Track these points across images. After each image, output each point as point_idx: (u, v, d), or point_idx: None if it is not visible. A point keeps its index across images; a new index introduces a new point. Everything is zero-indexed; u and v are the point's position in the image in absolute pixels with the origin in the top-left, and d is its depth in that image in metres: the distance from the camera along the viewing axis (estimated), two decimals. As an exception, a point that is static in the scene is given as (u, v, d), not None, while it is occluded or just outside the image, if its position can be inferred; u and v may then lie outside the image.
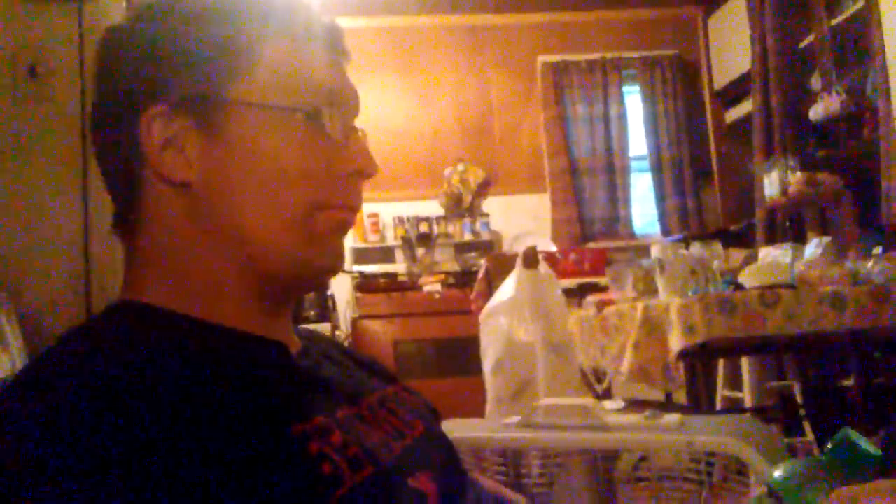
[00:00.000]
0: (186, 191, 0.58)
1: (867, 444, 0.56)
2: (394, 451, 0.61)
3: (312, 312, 4.15)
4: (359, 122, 0.67)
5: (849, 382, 3.00)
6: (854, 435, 0.56)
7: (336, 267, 0.63)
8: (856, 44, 3.58)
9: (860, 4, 3.49)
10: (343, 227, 0.63)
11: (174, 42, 0.58)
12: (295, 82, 0.60)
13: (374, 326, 4.19)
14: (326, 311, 4.28)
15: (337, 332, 4.29)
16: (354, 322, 4.23)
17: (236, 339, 0.59)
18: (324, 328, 3.92)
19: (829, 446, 0.55)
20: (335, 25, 0.66)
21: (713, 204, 5.10)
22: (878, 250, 2.86)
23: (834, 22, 3.73)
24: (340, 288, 4.49)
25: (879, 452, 0.54)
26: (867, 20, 3.35)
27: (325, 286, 0.65)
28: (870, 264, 2.40)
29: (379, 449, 0.59)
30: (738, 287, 2.38)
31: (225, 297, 0.59)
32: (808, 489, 0.52)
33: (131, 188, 0.60)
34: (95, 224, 1.75)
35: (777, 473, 0.54)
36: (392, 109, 4.88)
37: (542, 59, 5.03)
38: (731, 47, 4.76)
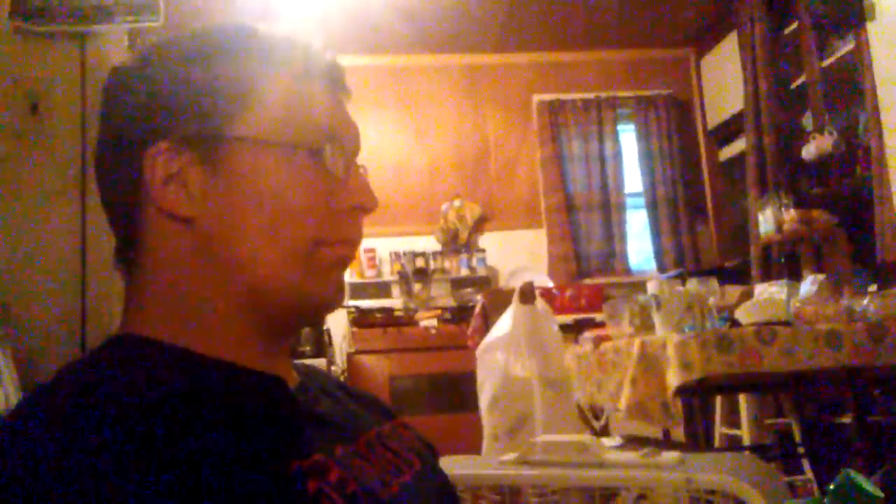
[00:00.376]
0: (189, 226, 0.59)
1: (869, 485, 0.56)
2: (391, 488, 0.61)
3: (308, 347, 4.13)
4: (357, 158, 0.68)
5: (846, 420, 2.99)
6: (856, 476, 0.56)
7: (337, 301, 0.64)
8: (847, 84, 3.64)
9: (851, 46, 3.56)
10: (343, 262, 0.64)
11: (178, 81, 0.60)
12: (297, 119, 0.61)
13: (370, 361, 4.17)
14: (322, 345, 4.26)
15: (332, 368, 4.26)
16: (350, 357, 4.21)
17: (235, 374, 0.59)
18: (319, 363, 3.90)
19: (832, 487, 0.55)
20: (337, 63, 0.67)
21: (708, 241, 5.12)
22: (873, 287, 2.87)
23: (825, 63, 3.80)
24: (336, 323, 4.48)
25: (881, 494, 0.54)
26: (858, 61, 3.41)
27: (322, 321, 0.65)
28: (865, 302, 2.41)
29: (377, 487, 0.59)
30: (735, 323, 2.38)
31: (225, 332, 0.59)
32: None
33: (133, 223, 0.61)
34: (92, 260, 1.75)
35: (780, 517, 0.54)
36: (390, 146, 4.92)
37: (537, 97, 5.09)
38: (723, 87, 4.84)
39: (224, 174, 0.59)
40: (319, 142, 0.61)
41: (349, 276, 4.69)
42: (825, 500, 0.55)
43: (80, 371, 0.55)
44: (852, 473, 0.56)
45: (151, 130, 0.59)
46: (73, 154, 1.79)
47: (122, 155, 0.60)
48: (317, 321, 0.64)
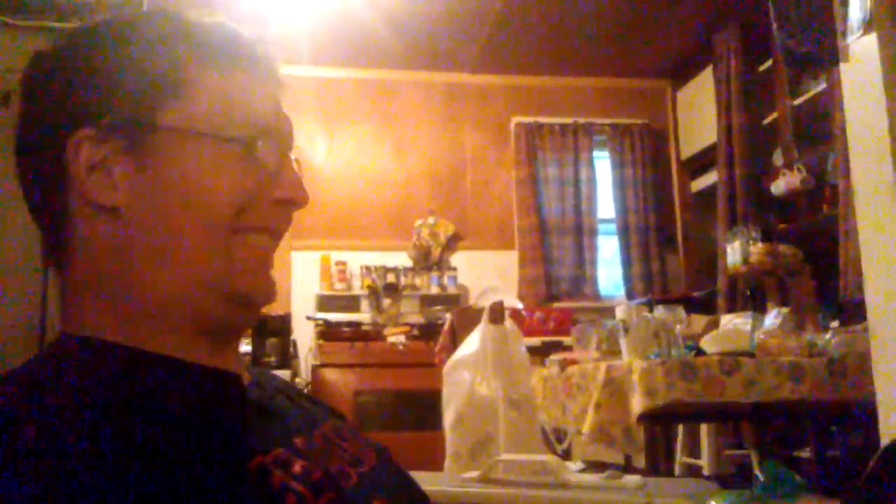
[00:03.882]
0: (114, 216, 0.57)
1: (792, 474, 0.59)
2: (351, 477, 0.60)
3: (273, 358, 4.09)
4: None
5: (805, 454, 3.03)
6: (780, 465, 0.59)
7: (262, 297, 0.62)
8: (818, 123, 3.72)
9: (822, 86, 3.64)
10: (265, 256, 0.62)
11: (105, 66, 0.58)
12: (230, 112, 0.59)
13: (335, 375, 4.13)
14: (287, 357, 4.22)
15: (297, 380, 4.22)
16: (315, 370, 4.17)
17: (184, 371, 0.57)
18: (283, 375, 3.85)
19: (760, 475, 0.57)
20: (271, 56, 0.65)
21: (676, 270, 5.18)
22: (835, 323, 2.92)
23: (797, 101, 3.89)
24: (303, 335, 4.44)
25: (804, 480, 0.57)
26: (829, 101, 3.49)
27: (252, 320, 0.64)
28: (827, 336, 2.45)
29: (339, 475, 0.58)
30: (700, 352, 2.41)
31: (163, 328, 0.58)
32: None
33: (58, 216, 0.59)
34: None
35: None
36: (367, 160, 4.92)
37: (515, 119, 5.13)
38: (698, 120, 4.92)
39: (150, 164, 0.57)
40: (251, 135, 0.60)
41: (318, 288, 4.66)
42: (755, 488, 0.57)
43: (21, 377, 0.53)
44: (776, 463, 0.59)
45: (75, 116, 0.57)
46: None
47: (45, 142, 0.58)
48: (246, 319, 0.63)
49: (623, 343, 2.51)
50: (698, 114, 4.89)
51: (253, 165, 0.60)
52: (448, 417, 2.41)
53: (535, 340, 3.90)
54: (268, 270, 0.63)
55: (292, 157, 0.65)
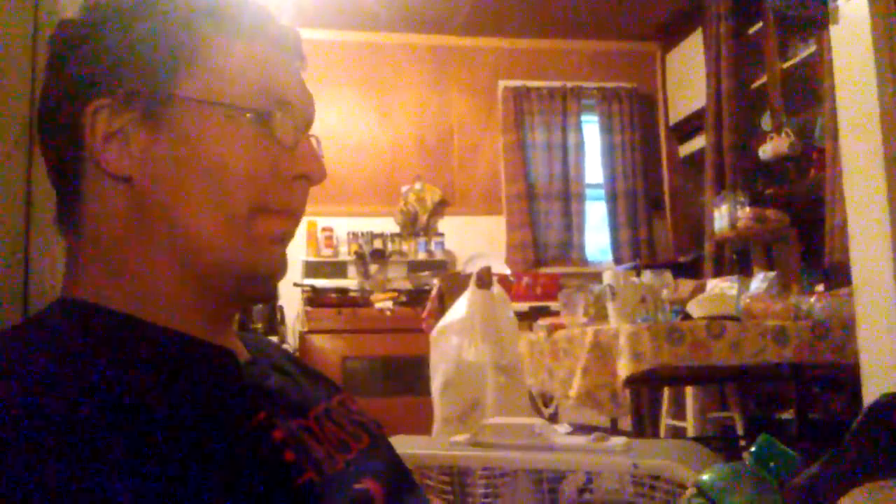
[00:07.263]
0: (129, 185, 0.57)
1: (785, 449, 0.59)
2: (337, 465, 0.60)
3: (260, 325, 4.08)
4: (318, 133, 0.66)
5: (788, 415, 3.07)
6: (773, 439, 0.59)
7: (275, 273, 0.61)
8: (807, 87, 3.70)
9: (812, 49, 3.62)
10: (284, 236, 0.61)
11: (123, 36, 0.58)
12: (246, 83, 0.59)
13: (323, 341, 4.14)
14: (274, 323, 4.21)
15: (284, 346, 4.22)
16: (302, 336, 4.17)
17: (183, 344, 0.57)
18: (271, 341, 3.85)
19: (753, 448, 0.58)
20: (293, 29, 0.65)
21: (664, 235, 5.19)
22: (820, 287, 2.95)
23: (786, 65, 3.87)
24: (290, 301, 4.43)
25: (797, 454, 0.58)
26: (818, 65, 3.47)
27: (265, 295, 0.63)
28: (812, 300, 2.46)
29: (323, 461, 0.58)
30: (686, 316, 2.42)
31: (168, 299, 0.58)
32: (734, 488, 0.55)
33: (73, 182, 0.59)
34: (37, 226, 1.69)
35: (705, 476, 0.56)
36: (352, 124, 4.87)
37: (503, 83, 5.08)
38: (686, 84, 4.89)
39: (166, 134, 0.57)
40: (268, 107, 0.59)
41: (305, 255, 4.64)
42: (748, 460, 0.58)
43: (19, 338, 0.53)
44: (771, 437, 0.60)
45: (94, 86, 0.57)
46: (21, 110, 1.72)
47: (64, 110, 0.58)
48: (257, 295, 0.62)
49: (610, 308, 2.52)
50: (687, 77, 4.87)
51: (268, 138, 0.59)
52: (436, 383, 2.42)
53: (523, 305, 3.92)
54: (281, 253, 0.61)
55: (311, 134, 0.64)
